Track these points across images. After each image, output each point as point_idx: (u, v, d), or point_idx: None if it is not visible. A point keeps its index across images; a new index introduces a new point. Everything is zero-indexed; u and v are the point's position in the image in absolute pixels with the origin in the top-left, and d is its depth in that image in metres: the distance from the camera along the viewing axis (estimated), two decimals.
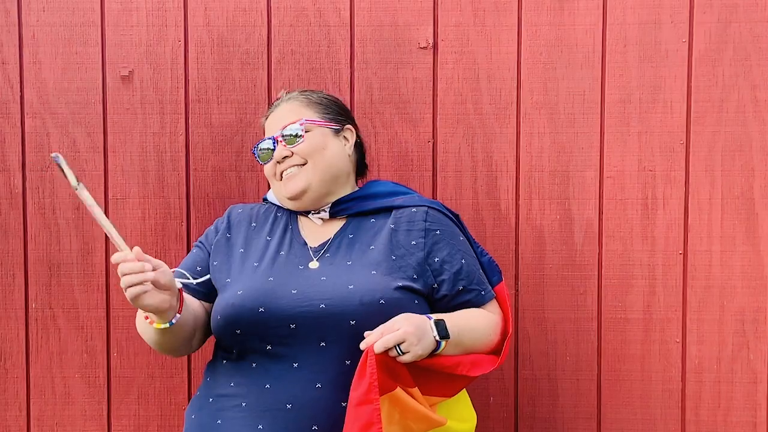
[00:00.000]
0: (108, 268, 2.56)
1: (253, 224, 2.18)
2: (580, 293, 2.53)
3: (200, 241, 2.20)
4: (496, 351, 2.12)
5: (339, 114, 2.21)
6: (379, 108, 2.53)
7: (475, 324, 2.06)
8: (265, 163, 2.16)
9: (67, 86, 2.55)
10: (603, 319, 2.53)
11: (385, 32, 2.53)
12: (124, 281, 1.79)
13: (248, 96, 2.54)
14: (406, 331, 1.86)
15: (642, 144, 2.51)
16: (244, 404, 1.96)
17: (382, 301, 1.95)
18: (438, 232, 2.10)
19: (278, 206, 2.22)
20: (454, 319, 2.00)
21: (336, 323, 1.93)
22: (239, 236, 2.15)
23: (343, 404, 1.89)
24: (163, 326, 1.89)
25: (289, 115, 2.14)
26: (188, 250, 2.54)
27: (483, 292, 2.12)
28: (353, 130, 2.22)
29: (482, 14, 2.52)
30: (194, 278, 2.10)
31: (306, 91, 2.23)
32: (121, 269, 1.80)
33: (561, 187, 2.52)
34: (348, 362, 1.92)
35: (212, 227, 2.22)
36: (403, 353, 1.86)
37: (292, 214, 2.19)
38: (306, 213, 2.18)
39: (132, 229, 2.56)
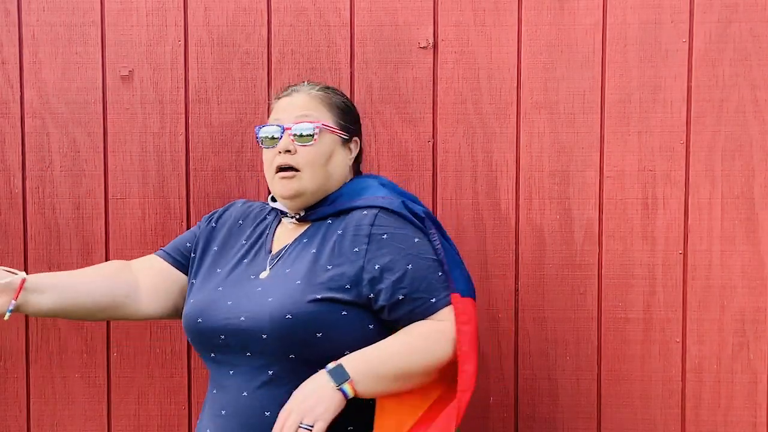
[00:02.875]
0: None
1: (240, 222, 2.18)
2: (580, 293, 2.53)
3: (198, 225, 2.25)
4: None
5: (352, 123, 2.16)
6: (379, 108, 2.53)
7: (399, 348, 1.92)
8: (266, 148, 2.09)
9: (67, 86, 2.55)
10: (603, 319, 2.53)
11: (385, 32, 2.53)
12: None
13: (248, 96, 2.54)
14: (297, 406, 1.81)
15: (642, 144, 2.51)
16: (206, 408, 2.04)
17: (288, 316, 1.90)
18: (384, 236, 1.98)
19: (271, 207, 2.20)
20: (366, 353, 1.89)
21: (252, 337, 1.93)
22: (221, 233, 2.17)
23: (267, 413, 1.91)
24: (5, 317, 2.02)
25: (306, 108, 2.07)
26: None
27: (433, 300, 1.97)
28: (359, 141, 2.19)
29: (482, 14, 2.52)
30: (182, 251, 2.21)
31: (329, 88, 2.16)
32: None
33: (561, 187, 2.52)
34: (270, 372, 1.93)
35: (206, 218, 2.25)
36: (311, 426, 1.80)
37: (279, 216, 2.17)
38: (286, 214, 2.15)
39: (132, 229, 2.56)
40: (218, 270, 2.11)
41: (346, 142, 2.13)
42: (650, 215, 2.52)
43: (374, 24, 2.53)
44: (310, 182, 2.05)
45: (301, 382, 1.87)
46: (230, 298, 2.01)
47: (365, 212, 2.02)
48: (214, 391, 2.02)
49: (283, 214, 2.15)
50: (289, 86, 2.18)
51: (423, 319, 1.98)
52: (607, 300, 2.53)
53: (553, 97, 2.52)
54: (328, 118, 2.09)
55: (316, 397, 1.82)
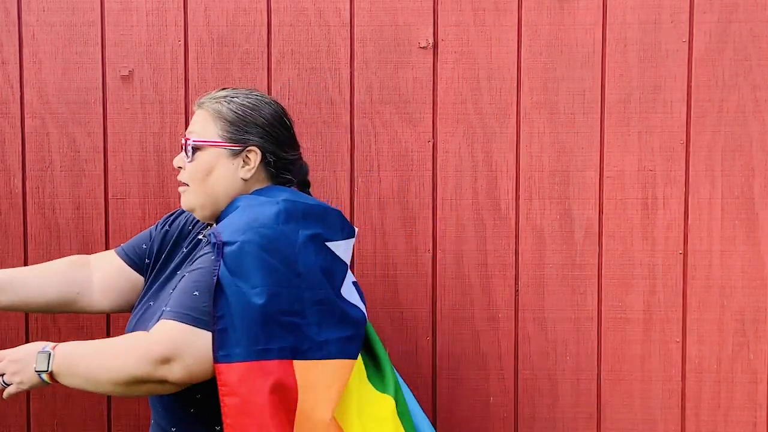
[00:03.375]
0: None
1: (183, 249, 2.13)
2: (580, 293, 2.53)
3: (156, 225, 2.24)
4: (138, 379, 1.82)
5: (244, 133, 1.99)
6: (379, 108, 2.53)
7: (100, 351, 1.87)
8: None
9: (67, 86, 2.55)
10: (603, 319, 2.53)
11: (385, 32, 2.53)
12: None
13: None
14: (10, 360, 1.89)
15: (642, 144, 2.51)
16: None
17: None
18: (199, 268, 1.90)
19: None
20: (76, 348, 1.88)
21: None
22: (170, 239, 2.17)
23: (173, 430, 1.99)
24: None
25: (194, 124, 2.03)
26: None
27: (167, 309, 1.83)
28: (258, 152, 1.99)
29: (482, 14, 2.52)
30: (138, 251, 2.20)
31: (223, 99, 2.02)
32: None
33: (561, 187, 2.52)
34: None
35: (164, 219, 2.24)
36: (7, 384, 1.89)
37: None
38: None
39: (132, 229, 2.56)
40: (142, 294, 2.13)
41: (236, 154, 1.99)
42: (650, 215, 2.52)
43: (374, 24, 2.53)
44: (194, 197, 2.01)
45: (183, 417, 1.95)
46: (127, 327, 2.07)
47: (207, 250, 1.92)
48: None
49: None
50: (199, 98, 2.09)
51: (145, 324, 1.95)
52: (607, 300, 2.53)
53: (553, 97, 2.52)
54: (211, 133, 2.00)
55: (22, 365, 1.87)
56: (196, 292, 1.82)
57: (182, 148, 2.03)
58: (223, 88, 2.08)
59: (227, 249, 1.82)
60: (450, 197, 2.53)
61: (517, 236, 2.54)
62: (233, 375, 1.78)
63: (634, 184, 2.51)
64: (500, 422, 2.56)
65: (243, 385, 1.78)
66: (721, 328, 2.52)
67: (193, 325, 1.79)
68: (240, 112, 2.00)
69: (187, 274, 1.89)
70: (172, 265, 2.10)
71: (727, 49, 2.49)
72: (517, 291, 2.54)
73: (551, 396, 2.55)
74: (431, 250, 2.54)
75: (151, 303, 2.05)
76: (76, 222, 2.57)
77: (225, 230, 1.86)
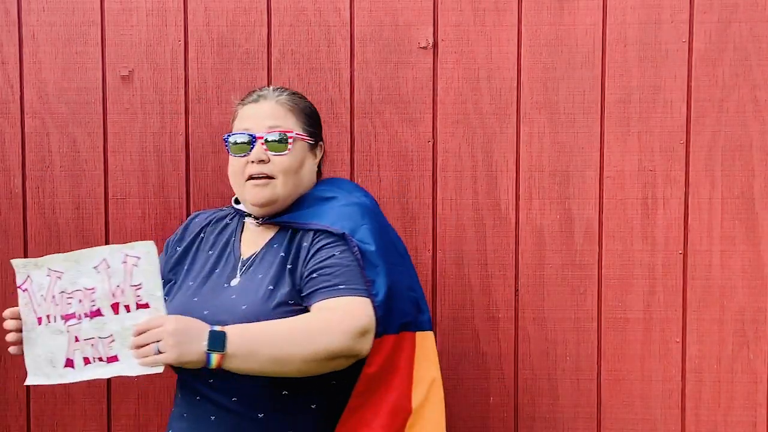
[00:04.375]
0: None
1: (202, 235, 2.18)
2: (580, 293, 2.53)
3: (162, 254, 2.19)
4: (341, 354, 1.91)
5: (318, 128, 2.18)
6: (379, 108, 2.53)
7: (285, 334, 1.87)
8: (235, 156, 2.08)
9: (67, 86, 2.55)
10: (603, 319, 2.53)
11: (385, 32, 2.53)
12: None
13: None
14: (172, 331, 1.79)
15: (642, 144, 2.51)
16: (185, 415, 2.06)
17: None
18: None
19: (235, 210, 2.20)
20: (252, 331, 1.86)
21: None
22: (189, 251, 2.16)
23: (260, 415, 1.96)
24: None
25: (275, 117, 2.08)
26: None
27: (341, 287, 1.94)
28: (323, 145, 2.21)
29: (482, 14, 2.52)
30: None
31: (295, 95, 2.15)
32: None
33: (561, 187, 2.52)
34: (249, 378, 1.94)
35: (171, 239, 2.24)
36: (160, 353, 1.80)
37: (241, 220, 2.17)
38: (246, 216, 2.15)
39: (132, 229, 2.56)
40: (190, 283, 2.10)
41: (312, 148, 2.14)
42: (650, 215, 2.52)
43: (374, 24, 2.53)
44: (282, 189, 2.06)
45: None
46: (206, 307, 2.00)
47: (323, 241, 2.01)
48: (198, 398, 2.02)
49: (246, 216, 2.15)
50: (254, 92, 2.16)
51: (325, 298, 1.94)
52: (607, 300, 2.53)
53: (553, 97, 2.52)
54: (297, 126, 2.09)
55: (187, 339, 1.79)
56: (356, 270, 1.95)
57: (254, 141, 2.04)
58: (269, 86, 2.17)
59: (359, 234, 1.99)
60: (450, 197, 2.53)
61: (517, 236, 2.54)
62: (385, 347, 1.96)
63: (634, 184, 2.51)
64: (500, 422, 2.56)
65: (387, 356, 1.96)
66: (721, 328, 2.52)
67: (370, 302, 1.93)
68: (313, 109, 2.18)
69: (326, 262, 1.96)
70: (207, 250, 2.14)
71: (727, 49, 2.49)
72: (517, 291, 2.54)
73: (551, 396, 2.55)
74: (431, 250, 2.54)
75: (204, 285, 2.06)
76: (76, 222, 2.57)
77: (339, 221, 2.00)
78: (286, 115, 2.09)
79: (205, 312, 1.97)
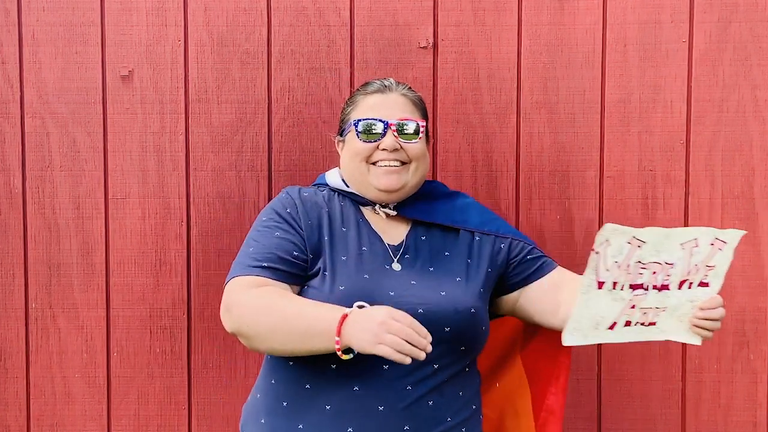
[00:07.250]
0: (108, 268, 2.56)
1: (326, 209, 2.10)
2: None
3: (284, 220, 2.04)
4: None
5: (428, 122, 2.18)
6: None
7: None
8: (365, 142, 2.05)
9: (67, 86, 2.55)
10: None
11: (385, 32, 2.53)
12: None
13: (248, 96, 2.54)
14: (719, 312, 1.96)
15: (642, 144, 2.51)
16: (327, 407, 1.92)
17: (473, 309, 1.98)
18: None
19: (336, 192, 2.14)
20: None
21: (432, 329, 1.82)
22: (321, 222, 2.06)
23: (430, 403, 1.94)
24: (348, 357, 1.82)
25: (405, 108, 2.09)
26: (188, 250, 2.54)
27: (547, 259, 2.16)
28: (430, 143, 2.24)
29: (482, 14, 2.52)
30: (295, 261, 1.99)
31: (411, 89, 2.15)
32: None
33: (561, 187, 2.52)
34: (435, 366, 1.93)
35: (287, 206, 2.07)
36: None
37: (355, 204, 2.13)
38: (366, 204, 2.12)
39: (132, 229, 2.56)
40: (343, 258, 2.02)
41: (427, 143, 2.16)
42: (650, 215, 2.52)
43: (374, 24, 2.53)
44: (413, 176, 2.08)
45: (458, 373, 1.99)
46: (387, 288, 1.96)
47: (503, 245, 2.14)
48: (355, 388, 1.91)
49: (366, 204, 2.11)
50: (375, 82, 2.13)
51: (548, 272, 2.13)
52: None
53: (553, 97, 2.52)
54: (419, 117, 2.11)
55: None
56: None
57: (386, 128, 2.04)
58: (387, 79, 2.15)
59: (507, 232, 2.16)
60: None
61: None
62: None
63: (634, 184, 2.51)
64: None
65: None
66: (721, 328, 2.51)
67: None
68: (424, 103, 2.18)
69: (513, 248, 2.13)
70: (340, 227, 2.08)
71: (727, 49, 2.49)
72: None
73: None
74: None
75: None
76: (76, 222, 2.57)
77: (489, 224, 2.16)
78: (413, 108, 2.11)
79: (391, 293, 1.94)
